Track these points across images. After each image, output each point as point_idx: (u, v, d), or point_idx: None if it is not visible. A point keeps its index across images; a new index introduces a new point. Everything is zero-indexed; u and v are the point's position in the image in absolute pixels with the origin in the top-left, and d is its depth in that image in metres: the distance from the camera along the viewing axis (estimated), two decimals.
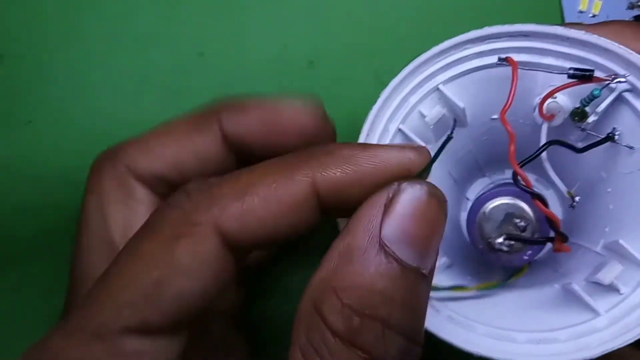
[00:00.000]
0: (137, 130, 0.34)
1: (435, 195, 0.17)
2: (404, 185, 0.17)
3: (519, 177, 0.20)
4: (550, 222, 0.20)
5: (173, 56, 0.33)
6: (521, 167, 0.20)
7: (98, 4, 0.33)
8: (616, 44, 0.21)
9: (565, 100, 0.22)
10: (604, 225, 0.23)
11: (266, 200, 0.17)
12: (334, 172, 0.17)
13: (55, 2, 0.33)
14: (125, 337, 0.16)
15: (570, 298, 0.23)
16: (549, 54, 0.22)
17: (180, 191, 0.18)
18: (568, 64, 0.22)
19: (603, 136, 0.21)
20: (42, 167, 0.33)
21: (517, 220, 0.24)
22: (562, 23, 0.34)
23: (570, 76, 0.21)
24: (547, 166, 0.22)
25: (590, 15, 0.33)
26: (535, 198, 0.20)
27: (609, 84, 0.20)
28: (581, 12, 0.33)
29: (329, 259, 0.16)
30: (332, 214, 0.18)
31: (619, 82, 0.20)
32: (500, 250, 0.23)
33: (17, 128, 0.33)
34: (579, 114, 0.21)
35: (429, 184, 0.17)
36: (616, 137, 0.21)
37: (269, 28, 0.33)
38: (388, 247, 0.16)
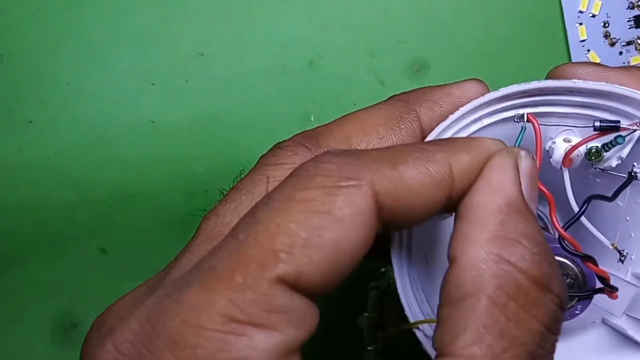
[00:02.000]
0: (137, 131, 0.34)
1: (535, 160, 0.19)
2: (522, 152, 0.18)
3: (567, 242, 0.20)
4: (602, 279, 0.21)
5: (173, 56, 0.33)
6: (565, 229, 0.20)
7: (98, 4, 0.33)
8: (638, 92, 0.20)
9: (577, 139, 0.22)
10: (629, 253, 0.23)
11: (416, 171, 0.17)
12: (463, 156, 0.18)
13: (55, 2, 0.33)
14: (277, 289, 0.15)
15: (620, 340, 0.23)
16: (566, 103, 0.21)
17: (325, 152, 0.17)
18: (587, 112, 0.21)
19: (624, 175, 0.21)
20: (42, 167, 0.33)
21: (564, 278, 0.23)
22: (562, 24, 0.34)
23: (596, 128, 0.20)
24: (588, 225, 0.21)
25: (590, 15, 0.33)
26: (587, 260, 0.20)
27: (635, 131, 0.20)
28: (581, 12, 0.33)
29: (487, 214, 0.17)
30: (455, 201, 0.18)
31: None
32: None
33: (18, 128, 0.33)
34: (594, 154, 0.21)
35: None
36: (638, 175, 0.21)
37: (269, 28, 0.33)
38: (531, 207, 0.17)
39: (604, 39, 0.33)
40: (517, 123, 0.21)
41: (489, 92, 0.22)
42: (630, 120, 0.21)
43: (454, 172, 0.18)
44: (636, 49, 0.33)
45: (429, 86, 0.23)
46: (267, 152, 0.21)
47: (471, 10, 0.33)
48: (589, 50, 0.33)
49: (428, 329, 0.21)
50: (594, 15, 0.33)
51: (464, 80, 0.22)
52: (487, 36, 0.33)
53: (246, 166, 0.34)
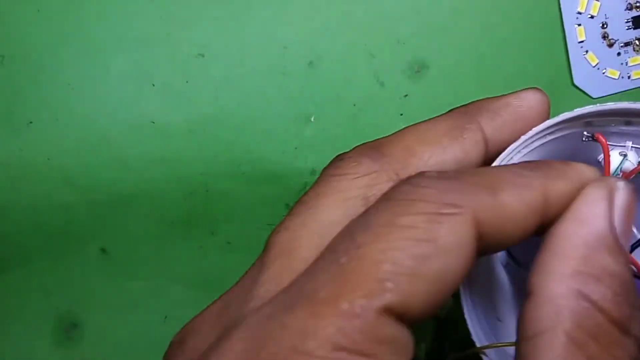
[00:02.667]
0: (138, 131, 0.34)
1: (635, 193, 0.18)
2: (620, 183, 0.18)
3: (635, 267, 0.19)
4: None
5: (173, 57, 0.33)
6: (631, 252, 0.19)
7: (98, 4, 0.33)
8: None
9: (634, 156, 0.21)
10: None
11: (514, 198, 0.17)
12: (559, 183, 0.17)
13: (56, 3, 0.33)
14: (384, 318, 0.14)
15: None
16: (635, 123, 0.21)
17: (421, 174, 0.17)
18: None
19: None
20: (43, 168, 0.33)
21: None
22: (560, 25, 0.34)
23: None
24: None
25: (589, 16, 0.33)
26: None
27: None
28: (579, 13, 0.33)
29: (572, 247, 0.16)
30: (543, 228, 0.18)
31: None
32: None
33: (18, 129, 0.33)
34: None
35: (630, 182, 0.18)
36: None
37: (269, 29, 0.34)
38: (622, 242, 0.17)
39: (602, 40, 0.34)
40: (584, 142, 0.21)
41: (547, 100, 0.22)
42: None
43: (550, 199, 0.17)
44: (634, 50, 0.34)
45: (487, 98, 0.22)
46: (329, 163, 0.20)
47: (470, 11, 0.33)
48: (587, 52, 0.33)
49: (491, 353, 0.21)
50: (592, 16, 0.33)
51: (522, 90, 0.22)
52: (486, 37, 0.34)
53: (247, 166, 0.34)
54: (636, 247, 0.20)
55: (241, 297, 0.18)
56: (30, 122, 0.33)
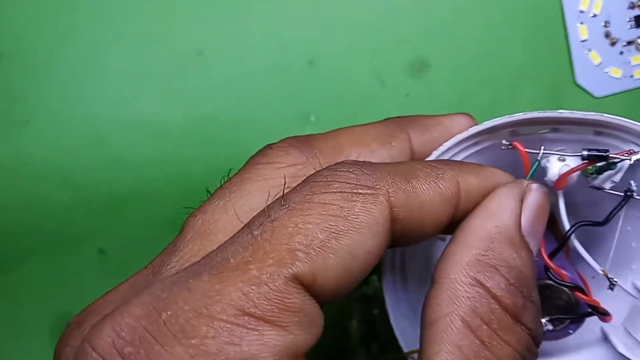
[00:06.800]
0: (136, 131, 0.34)
1: (549, 196, 0.19)
2: (533, 185, 0.19)
3: (553, 272, 0.20)
4: (592, 307, 0.20)
5: (172, 55, 0.33)
6: (551, 258, 0.20)
7: (97, 3, 0.33)
8: (629, 121, 0.20)
9: (574, 160, 0.21)
10: (630, 262, 0.23)
11: (427, 186, 0.17)
12: (471, 178, 0.18)
13: (54, 1, 0.33)
14: (292, 287, 0.15)
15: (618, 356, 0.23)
16: (557, 130, 0.22)
17: (341, 162, 0.18)
18: (578, 137, 0.21)
19: (621, 193, 0.21)
20: (41, 167, 0.33)
21: (557, 300, 0.23)
22: (563, 23, 0.34)
23: (584, 157, 0.20)
24: (580, 249, 0.21)
25: (591, 15, 0.33)
26: (575, 290, 0.20)
27: (624, 159, 0.20)
28: (582, 11, 0.33)
29: (475, 238, 0.17)
30: (456, 222, 0.18)
31: (638, 159, 0.20)
32: (547, 330, 0.23)
33: (16, 128, 0.33)
34: (589, 173, 0.21)
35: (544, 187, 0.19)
36: (635, 194, 0.21)
37: (269, 27, 0.33)
38: (526, 238, 0.18)
39: (604, 39, 0.33)
40: (504, 150, 0.21)
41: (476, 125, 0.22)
42: (624, 144, 0.21)
43: (461, 192, 0.18)
44: (637, 49, 0.33)
45: (422, 115, 0.23)
46: (258, 152, 0.20)
47: (472, 9, 0.33)
48: (589, 50, 0.33)
49: None
50: (595, 15, 0.33)
51: (454, 114, 0.23)
52: (487, 36, 0.33)
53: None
54: (558, 251, 0.21)
55: (148, 278, 0.17)
56: (28, 122, 0.33)
